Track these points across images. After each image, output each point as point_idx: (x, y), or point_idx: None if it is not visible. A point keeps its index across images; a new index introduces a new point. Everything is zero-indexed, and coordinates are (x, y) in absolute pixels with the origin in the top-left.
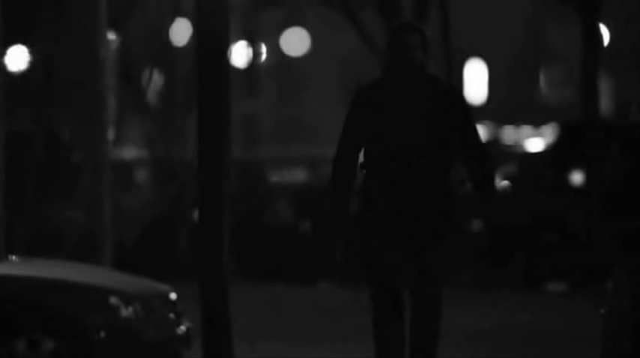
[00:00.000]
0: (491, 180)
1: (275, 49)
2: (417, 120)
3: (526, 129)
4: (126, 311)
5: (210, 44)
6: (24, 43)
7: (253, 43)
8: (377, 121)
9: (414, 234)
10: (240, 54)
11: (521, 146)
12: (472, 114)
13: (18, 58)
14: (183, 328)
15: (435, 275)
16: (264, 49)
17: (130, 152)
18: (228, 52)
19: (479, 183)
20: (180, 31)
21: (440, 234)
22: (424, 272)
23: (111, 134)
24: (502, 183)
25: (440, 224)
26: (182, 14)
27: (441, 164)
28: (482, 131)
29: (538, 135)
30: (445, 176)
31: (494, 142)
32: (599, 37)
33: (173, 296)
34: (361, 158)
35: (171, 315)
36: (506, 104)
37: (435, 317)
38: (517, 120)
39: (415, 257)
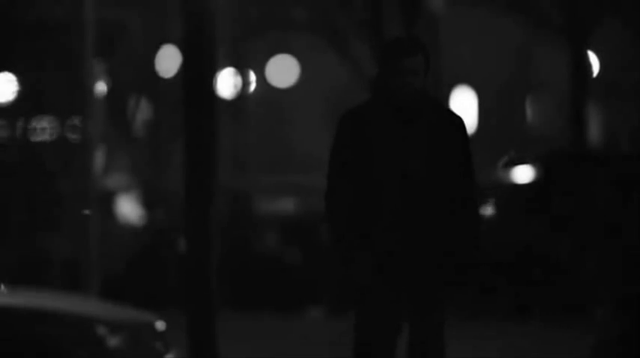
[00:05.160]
0: (474, 241)
1: (263, 78)
2: (414, 149)
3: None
4: (113, 341)
5: (197, 72)
6: (10, 71)
7: (241, 71)
8: (369, 149)
9: (416, 273)
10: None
11: (508, 176)
12: (471, 152)
13: (4, 87)
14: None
15: (439, 313)
16: (252, 77)
17: (116, 180)
18: (215, 80)
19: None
20: (168, 59)
21: (445, 272)
22: (427, 311)
23: (99, 163)
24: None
25: (446, 264)
26: (170, 41)
27: (444, 195)
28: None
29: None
30: (450, 207)
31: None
32: (589, 66)
33: (160, 325)
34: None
35: (159, 345)
36: (494, 133)
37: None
38: (505, 149)
39: (417, 294)
